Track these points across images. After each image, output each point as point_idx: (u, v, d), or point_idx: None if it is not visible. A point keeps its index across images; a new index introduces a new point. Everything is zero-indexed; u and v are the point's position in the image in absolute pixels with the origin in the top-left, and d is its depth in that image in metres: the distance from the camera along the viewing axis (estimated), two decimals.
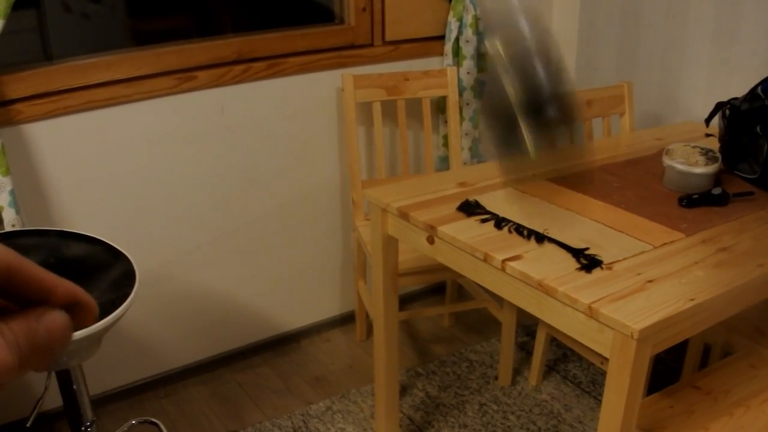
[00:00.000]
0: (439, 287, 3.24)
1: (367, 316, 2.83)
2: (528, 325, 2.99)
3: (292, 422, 2.42)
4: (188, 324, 2.67)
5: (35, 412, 1.75)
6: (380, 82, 2.63)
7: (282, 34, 2.59)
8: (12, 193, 2.07)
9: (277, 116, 2.60)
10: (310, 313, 2.97)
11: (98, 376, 2.51)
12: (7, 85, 2.13)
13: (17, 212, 2.10)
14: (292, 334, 2.94)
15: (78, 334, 1.33)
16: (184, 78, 2.40)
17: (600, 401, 2.12)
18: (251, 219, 2.69)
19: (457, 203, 1.86)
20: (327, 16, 2.80)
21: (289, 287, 2.87)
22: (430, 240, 1.79)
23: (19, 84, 2.16)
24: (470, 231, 1.72)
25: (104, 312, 1.55)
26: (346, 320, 3.04)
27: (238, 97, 2.51)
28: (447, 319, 3.05)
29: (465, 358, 2.78)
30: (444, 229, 1.73)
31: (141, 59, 2.34)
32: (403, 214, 1.83)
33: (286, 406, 2.53)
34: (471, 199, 1.87)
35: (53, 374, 1.68)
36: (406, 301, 3.18)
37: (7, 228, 2.11)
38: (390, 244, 1.98)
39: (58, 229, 1.86)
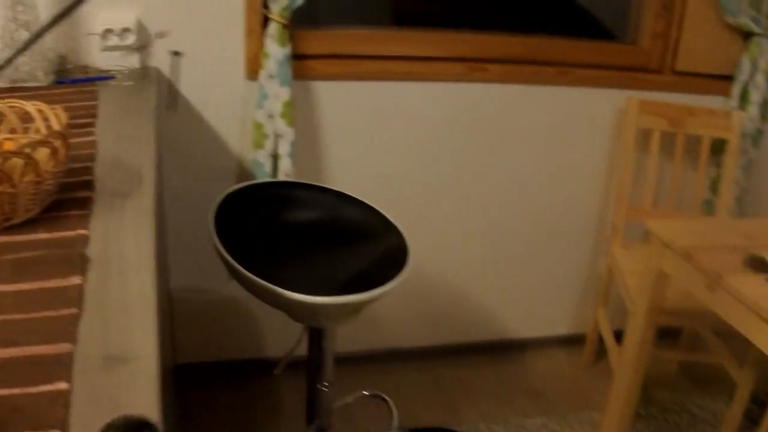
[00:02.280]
0: (671, 330, 3.08)
1: (599, 342, 2.75)
2: (760, 393, 2.78)
3: (506, 430, 2.38)
4: (421, 308, 2.70)
5: (284, 362, 1.79)
6: (665, 111, 2.54)
7: (572, 43, 2.54)
8: (293, 144, 2.16)
9: (553, 124, 2.57)
10: (539, 326, 2.92)
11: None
12: (307, 41, 2.22)
13: (293, 164, 2.18)
14: (518, 342, 2.92)
15: (343, 300, 1.35)
16: (476, 67, 2.41)
17: None
18: (502, 220, 2.68)
19: (743, 256, 1.73)
20: (605, 35, 2.71)
21: (524, 296, 2.84)
22: (710, 288, 1.68)
23: (318, 42, 2.24)
24: (757, 289, 1.60)
25: (373, 283, 1.57)
26: (572, 341, 2.92)
27: (521, 97, 2.50)
28: (675, 365, 2.90)
29: (687, 411, 2.64)
30: (731, 281, 1.62)
31: (438, 41, 2.37)
32: (687, 255, 1.74)
33: (502, 413, 2.50)
34: (758, 254, 1.74)
35: (306, 328, 1.71)
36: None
37: (281, 177, 2.20)
38: (661, 279, 1.89)
39: (337, 189, 1.88)
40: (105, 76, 2.00)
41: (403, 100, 2.37)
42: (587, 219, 2.78)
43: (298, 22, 2.14)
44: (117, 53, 2.07)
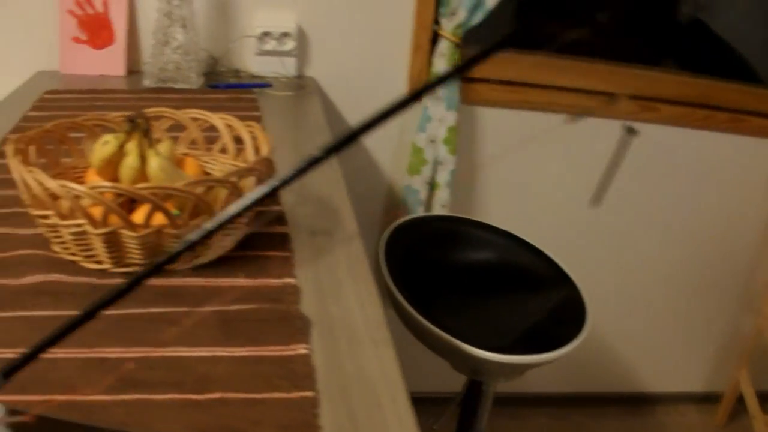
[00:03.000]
0: None
1: (737, 403, 2.59)
2: None
3: None
4: None
5: (444, 417, 1.62)
6: None
7: (746, 89, 2.30)
8: (452, 173, 1.96)
9: (718, 171, 2.36)
10: (673, 381, 2.74)
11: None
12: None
13: (451, 194, 1.99)
14: (650, 396, 2.74)
15: (518, 360, 1.15)
16: (647, 107, 2.18)
17: None
18: (649, 266, 2.48)
19: None
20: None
21: (661, 348, 2.65)
22: None
23: (486, 65, 2.04)
24: None
25: (548, 341, 1.41)
26: (707, 399, 2.76)
27: (690, 142, 2.28)
28: None
29: None
30: None
31: (609, 74, 2.16)
32: None
33: None
34: None
35: (468, 380, 1.53)
36: None
37: (435, 208, 2.00)
38: None
39: (507, 230, 1.70)
40: (262, 83, 1.82)
41: (569, 135, 2.16)
42: (737, 275, 2.56)
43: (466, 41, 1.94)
44: (273, 59, 1.90)
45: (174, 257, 0.40)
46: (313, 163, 0.39)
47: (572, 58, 2.18)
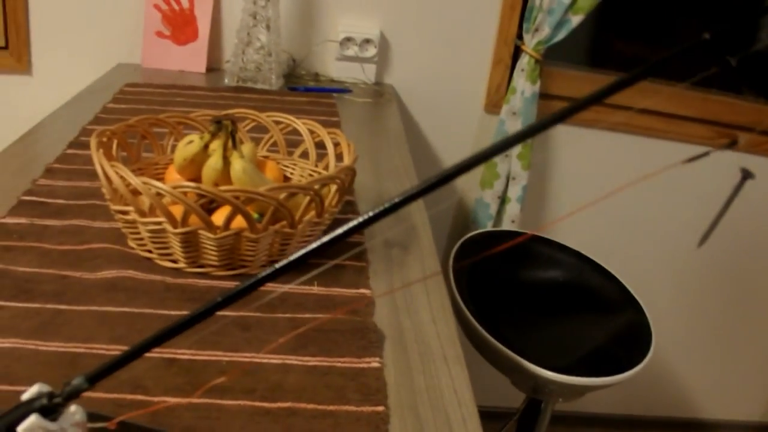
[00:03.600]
0: None
1: None
2: None
3: None
4: None
5: (503, 430, 1.59)
6: None
7: None
8: (524, 189, 1.93)
9: None
10: (730, 409, 2.68)
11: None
12: (556, 80, 1.99)
13: (521, 209, 1.96)
14: (705, 422, 2.68)
15: (583, 381, 1.12)
16: (724, 133, 2.12)
17: None
18: (720, 289, 2.43)
19: None
20: None
21: (721, 374, 2.60)
22: None
23: (566, 82, 2.01)
24: None
25: (613, 364, 1.38)
26: (762, 430, 2.71)
27: (765, 171, 2.18)
28: None
29: None
30: None
31: (688, 99, 2.10)
32: None
33: None
34: None
35: (528, 398, 1.50)
36: None
37: (505, 223, 1.98)
38: None
39: (576, 249, 1.66)
40: (341, 89, 1.82)
41: (645, 158, 2.12)
42: None
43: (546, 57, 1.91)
44: (353, 65, 1.90)
45: (284, 269, 0.39)
46: (409, 199, 0.38)
47: (651, 80, 2.14)
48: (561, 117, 0.39)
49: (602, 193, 2.17)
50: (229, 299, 0.38)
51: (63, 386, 0.40)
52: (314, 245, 0.38)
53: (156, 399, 0.70)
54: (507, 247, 1.56)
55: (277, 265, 0.38)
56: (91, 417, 0.43)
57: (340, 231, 0.37)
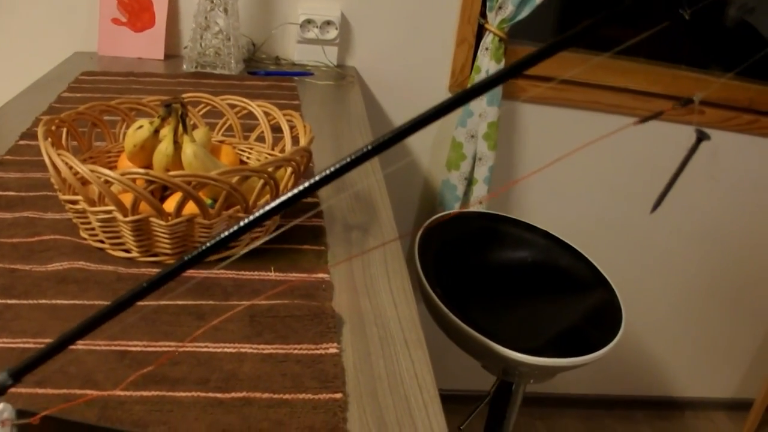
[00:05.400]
0: None
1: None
2: None
3: None
4: None
5: (471, 416, 1.58)
6: None
7: None
8: (491, 169, 1.92)
9: (760, 176, 2.26)
10: (703, 387, 2.69)
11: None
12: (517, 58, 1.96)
13: (488, 191, 1.94)
14: (679, 401, 2.69)
15: (553, 363, 1.10)
16: (692, 109, 2.11)
17: None
18: (688, 272, 2.43)
19: None
20: None
21: (694, 354, 2.60)
22: None
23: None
24: None
25: (582, 344, 1.36)
26: (736, 406, 2.71)
27: (733, 147, 2.21)
28: None
29: None
30: None
31: (654, 75, 2.10)
32: None
33: None
34: None
35: (498, 381, 1.49)
36: None
37: (473, 205, 1.96)
38: None
39: (545, 230, 1.65)
40: (303, 72, 1.79)
41: (611, 136, 2.10)
42: None
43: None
44: (314, 47, 1.87)
45: (209, 250, 0.37)
46: (357, 161, 0.36)
47: (616, 58, 2.13)
48: (521, 66, 0.37)
49: (569, 172, 2.16)
50: (155, 284, 0.36)
51: None
52: (256, 215, 0.36)
53: (106, 393, 0.68)
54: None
55: (208, 243, 0.36)
56: (21, 414, 0.41)
57: (281, 199, 0.35)
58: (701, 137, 0.41)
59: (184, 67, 1.75)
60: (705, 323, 2.56)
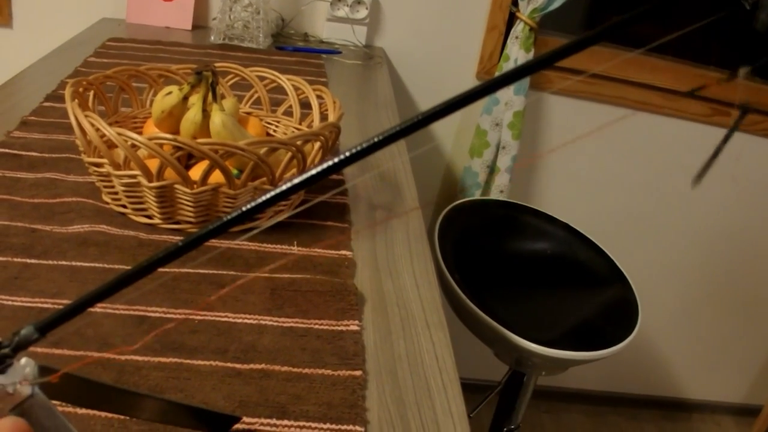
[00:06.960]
0: None
1: None
2: None
3: None
4: None
5: (481, 404, 1.57)
6: None
7: None
8: (514, 159, 1.90)
9: None
10: (712, 391, 2.67)
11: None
12: (550, 49, 1.94)
13: (510, 179, 1.93)
14: (686, 403, 2.68)
15: (568, 356, 1.09)
16: (719, 110, 2.09)
17: None
18: (702, 274, 2.41)
19: None
20: None
21: (704, 356, 2.59)
22: None
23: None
24: None
25: (598, 338, 1.35)
26: (744, 412, 2.69)
27: (757, 151, 2.20)
28: None
29: None
30: None
31: (684, 75, 2.07)
32: None
33: None
34: None
35: (510, 371, 1.48)
36: None
37: (493, 193, 1.95)
38: None
39: (565, 222, 1.64)
40: (331, 50, 1.78)
41: (637, 132, 2.08)
42: None
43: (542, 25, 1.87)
44: (343, 26, 1.85)
45: (235, 220, 0.35)
46: (387, 140, 0.34)
47: (646, 54, 2.10)
48: (554, 57, 0.36)
49: (593, 165, 2.14)
50: (187, 247, 0.35)
51: (12, 336, 0.37)
52: (282, 188, 0.34)
53: (129, 349, 0.67)
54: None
55: (234, 213, 0.34)
56: (42, 371, 0.40)
57: (309, 174, 0.34)
58: (745, 111, 0.40)
59: (212, 38, 1.74)
60: (718, 326, 2.54)
